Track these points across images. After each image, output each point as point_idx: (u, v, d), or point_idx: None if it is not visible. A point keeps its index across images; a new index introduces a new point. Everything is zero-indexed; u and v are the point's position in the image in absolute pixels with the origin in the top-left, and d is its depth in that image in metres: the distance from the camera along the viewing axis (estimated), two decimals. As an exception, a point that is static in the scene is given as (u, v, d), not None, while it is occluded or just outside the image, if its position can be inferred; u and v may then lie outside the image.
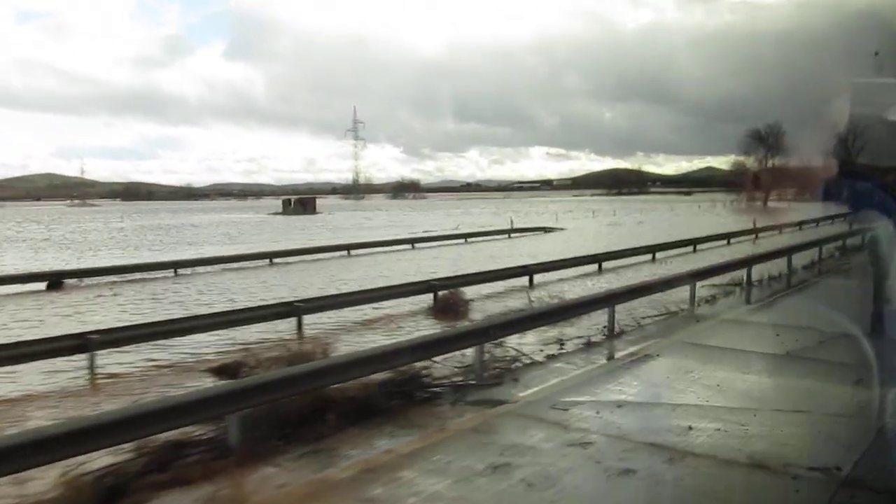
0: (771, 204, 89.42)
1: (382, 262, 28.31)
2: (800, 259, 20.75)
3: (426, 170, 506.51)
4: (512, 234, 42.33)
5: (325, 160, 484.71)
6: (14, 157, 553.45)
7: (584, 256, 23.98)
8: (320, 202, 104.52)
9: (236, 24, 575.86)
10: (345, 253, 31.94)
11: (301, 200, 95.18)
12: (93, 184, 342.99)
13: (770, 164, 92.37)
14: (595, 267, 23.58)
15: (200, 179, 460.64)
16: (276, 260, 28.45)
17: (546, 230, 46.30)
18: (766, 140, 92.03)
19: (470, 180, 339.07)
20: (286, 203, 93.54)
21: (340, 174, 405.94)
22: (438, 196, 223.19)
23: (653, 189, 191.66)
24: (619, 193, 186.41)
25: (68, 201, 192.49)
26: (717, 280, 17.28)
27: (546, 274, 21.09)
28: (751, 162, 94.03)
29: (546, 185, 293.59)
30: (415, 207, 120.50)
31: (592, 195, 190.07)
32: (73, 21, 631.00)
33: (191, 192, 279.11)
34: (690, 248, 29.93)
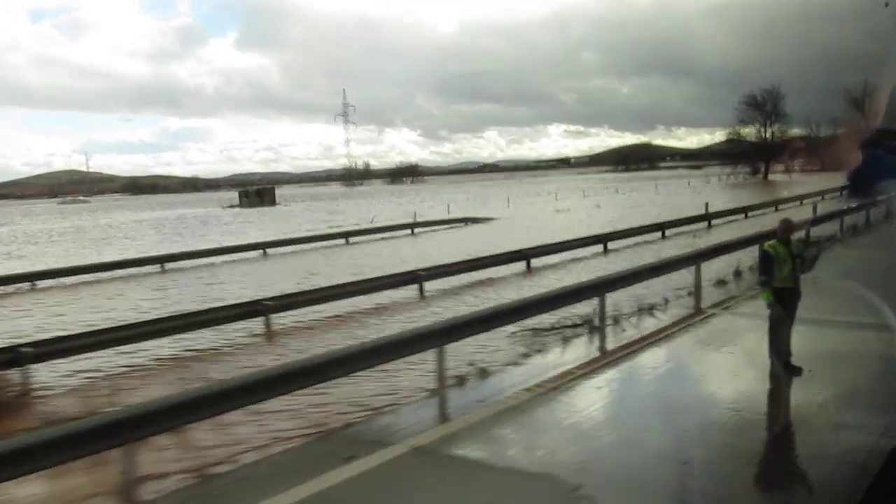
0: (774, 177, 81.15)
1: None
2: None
3: (444, 152, 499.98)
4: (416, 230, 35.02)
5: (343, 146, 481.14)
6: (38, 155, 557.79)
7: (398, 274, 16.87)
8: (315, 190, 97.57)
9: (247, 13, 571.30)
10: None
11: (259, 192, 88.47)
12: (111, 178, 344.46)
13: (769, 133, 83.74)
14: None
15: (220, 170, 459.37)
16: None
17: (471, 221, 38.96)
18: (763, 107, 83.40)
19: (489, 161, 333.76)
20: (243, 194, 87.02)
21: (359, 160, 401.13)
22: (449, 179, 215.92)
23: (664, 164, 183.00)
24: (627, 170, 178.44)
25: (59, 198, 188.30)
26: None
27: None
28: (749, 132, 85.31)
29: (563, 164, 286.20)
30: (402, 193, 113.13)
31: (599, 173, 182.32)
32: (85, 17, 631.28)
33: (197, 184, 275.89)
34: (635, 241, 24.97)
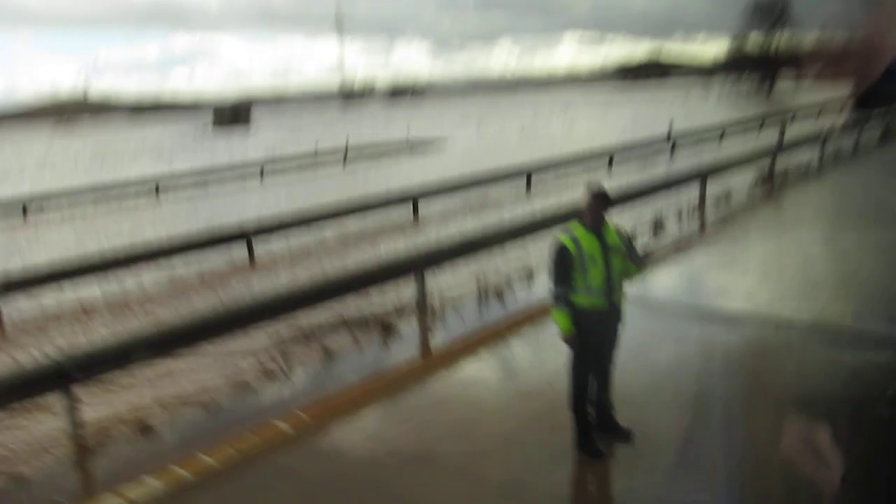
0: (782, 87, 75.33)
1: None
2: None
3: (456, 66, 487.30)
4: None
5: (355, 60, 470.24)
6: (44, 77, 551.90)
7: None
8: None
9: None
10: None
11: (234, 111, 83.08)
12: (116, 103, 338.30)
13: (777, 39, 77.13)
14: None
15: (229, 88, 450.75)
16: None
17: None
18: (771, 9, 76.57)
19: (500, 76, 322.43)
20: (217, 112, 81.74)
21: (360, 76, 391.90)
22: (451, 95, 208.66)
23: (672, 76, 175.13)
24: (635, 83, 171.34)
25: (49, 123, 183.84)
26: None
27: None
28: (754, 38, 78.67)
29: (575, 79, 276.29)
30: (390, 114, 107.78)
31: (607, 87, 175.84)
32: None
33: (201, 106, 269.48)
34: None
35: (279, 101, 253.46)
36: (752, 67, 76.59)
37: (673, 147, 24.39)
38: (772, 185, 16.10)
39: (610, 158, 22.28)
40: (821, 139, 19.71)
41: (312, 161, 30.09)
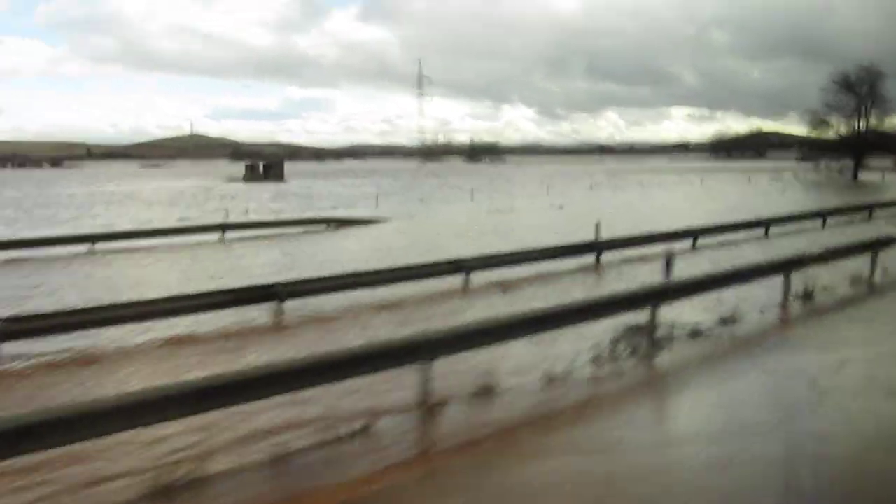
0: (868, 176, 65.44)
1: None
2: None
3: (561, 131, 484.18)
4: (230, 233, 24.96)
5: (459, 121, 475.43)
6: (172, 119, 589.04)
7: None
8: (391, 165, 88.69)
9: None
10: None
11: (266, 166, 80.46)
12: (234, 144, 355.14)
13: (861, 124, 67.31)
14: None
15: (340, 140, 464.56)
16: None
17: (337, 224, 28.56)
18: (857, 88, 66.87)
19: (607, 143, 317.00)
20: (249, 168, 79.37)
21: (475, 134, 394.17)
22: (545, 158, 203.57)
23: (771, 154, 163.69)
24: (730, 158, 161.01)
25: (142, 161, 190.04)
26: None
27: None
28: (835, 122, 68.98)
29: (681, 149, 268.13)
30: (458, 174, 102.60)
31: (709, 160, 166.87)
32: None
33: (302, 153, 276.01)
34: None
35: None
36: (835, 150, 66.98)
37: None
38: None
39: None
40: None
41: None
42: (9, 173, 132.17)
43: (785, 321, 12.64)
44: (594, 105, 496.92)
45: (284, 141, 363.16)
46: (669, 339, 10.86)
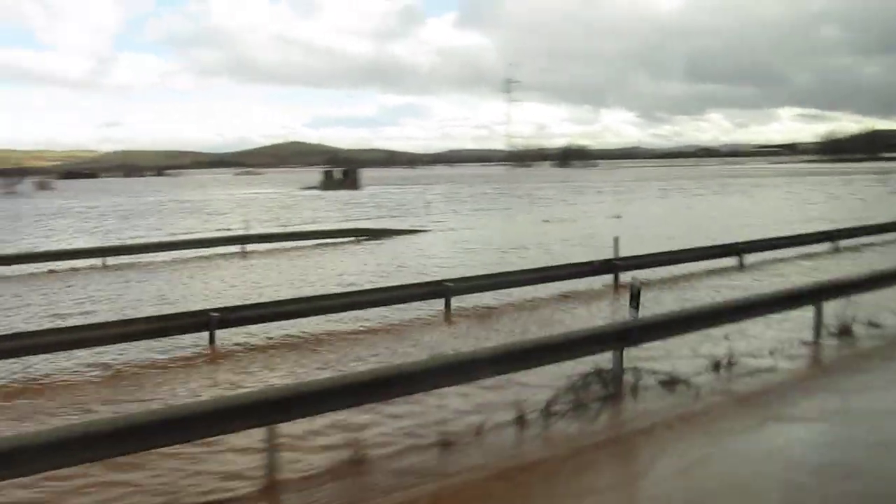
0: None
1: None
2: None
3: (662, 133, 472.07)
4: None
5: (557, 125, 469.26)
6: (272, 127, 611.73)
7: None
8: (480, 171, 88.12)
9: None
10: None
11: (345, 172, 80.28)
12: (333, 151, 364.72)
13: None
14: None
15: (436, 146, 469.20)
16: None
17: (367, 236, 27.05)
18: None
19: (711, 145, 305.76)
20: (326, 175, 79.36)
21: (572, 139, 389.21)
22: (645, 163, 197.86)
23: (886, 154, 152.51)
24: (840, 160, 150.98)
25: (235, 170, 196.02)
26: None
27: None
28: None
29: (788, 150, 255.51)
30: (545, 178, 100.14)
31: (805, 162, 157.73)
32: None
33: (400, 159, 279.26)
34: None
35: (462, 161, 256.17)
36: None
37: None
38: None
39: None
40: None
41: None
42: (114, 182, 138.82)
43: (812, 364, 10.20)
44: (696, 107, 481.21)
45: (381, 147, 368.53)
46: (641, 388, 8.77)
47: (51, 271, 20.36)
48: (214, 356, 10.83)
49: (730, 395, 8.82)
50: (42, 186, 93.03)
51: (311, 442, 7.30)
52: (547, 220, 32.84)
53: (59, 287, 17.78)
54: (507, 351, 8.54)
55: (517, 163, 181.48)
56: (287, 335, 11.77)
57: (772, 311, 11.01)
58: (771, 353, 10.20)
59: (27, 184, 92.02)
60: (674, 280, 16.40)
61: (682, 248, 18.57)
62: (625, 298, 14.94)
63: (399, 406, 7.93)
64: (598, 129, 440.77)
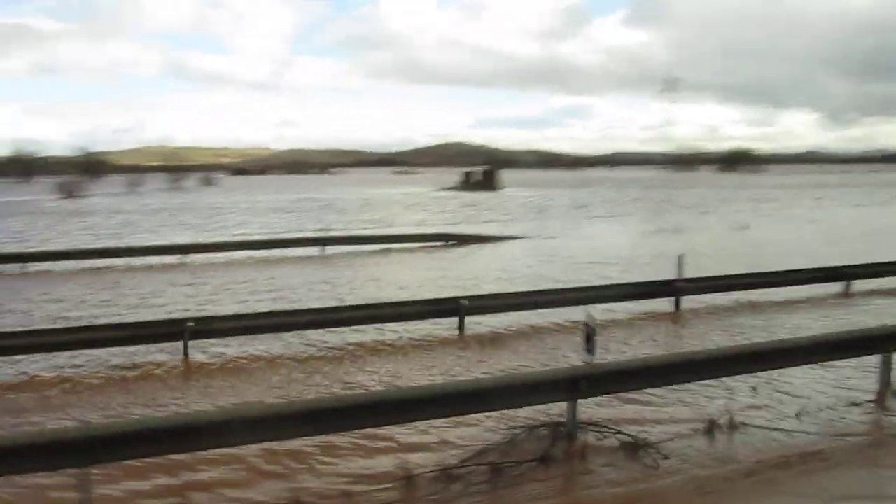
0: None
1: None
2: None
3: (852, 136, 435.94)
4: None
5: (729, 127, 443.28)
6: (436, 127, 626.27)
7: None
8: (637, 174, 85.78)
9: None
10: None
11: (485, 173, 79.07)
12: (493, 151, 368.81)
13: None
14: None
15: (600, 147, 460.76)
16: None
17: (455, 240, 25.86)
18: None
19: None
20: (466, 176, 78.60)
21: (744, 142, 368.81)
22: (825, 168, 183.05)
23: None
24: None
25: (392, 169, 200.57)
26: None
27: None
28: None
29: None
30: (694, 184, 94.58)
31: None
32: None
33: (563, 161, 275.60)
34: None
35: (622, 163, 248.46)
36: None
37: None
38: None
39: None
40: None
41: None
42: (277, 179, 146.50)
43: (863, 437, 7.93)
44: (893, 108, 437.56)
45: (543, 149, 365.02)
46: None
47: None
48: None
49: (704, 475, 6.82)
50: (206, 182, 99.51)
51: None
52: (660, 230, 30.14)
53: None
54: (416, 396, 7.08)
55: (679, 167, 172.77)
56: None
57: (811, 361, 8.75)
58: (798, 416, 8.00)
59: (192, 180, 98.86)
60: (736, 309, 13.98)
61: (772, 269, 15.90)
62: (685, 326, 13.12)
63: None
64: (775, 131, 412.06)
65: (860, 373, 9.24)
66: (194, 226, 35.60)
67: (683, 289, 14.19)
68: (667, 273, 14.55)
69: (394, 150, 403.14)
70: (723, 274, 15.04)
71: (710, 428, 7.63)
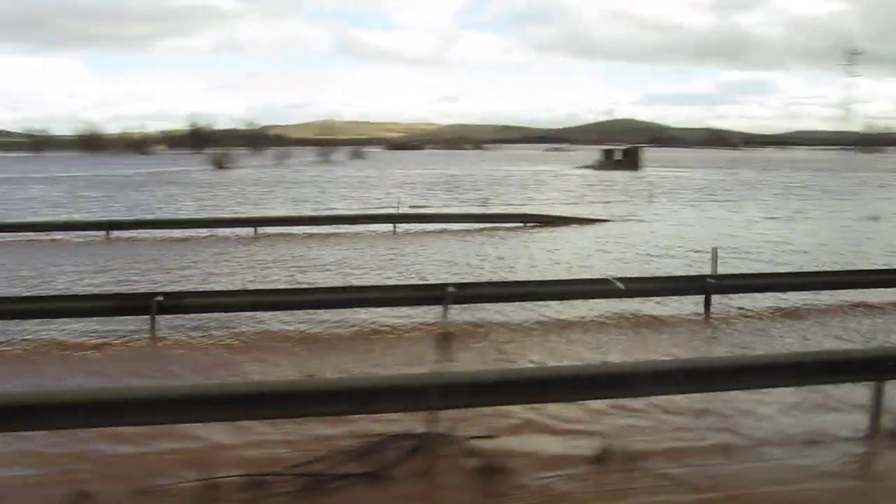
0: None
1: None
2: None
3: None
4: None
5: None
6: (601, 104, 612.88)
7: None
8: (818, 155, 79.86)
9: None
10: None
11: (626, 152, 75.42)
12: (659, 128, 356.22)
13: None
14: None
15: (779, 126, 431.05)
16: None
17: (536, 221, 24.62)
18: None
19: None
20: (606, 154, 75.39)
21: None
22: None
23: None
24: None
25: (545, 146, 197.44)
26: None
27: None
28: None
29: None
30: (867, 167, 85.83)
31: None
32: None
33: (732, 139, 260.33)
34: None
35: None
36: None
37: None
38: None
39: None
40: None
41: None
42: (431, 154, 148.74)
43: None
44: None
45: (714, 126, 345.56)
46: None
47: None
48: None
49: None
50: (356, 156, 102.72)
51: None
52: (771, 218, 27.24)
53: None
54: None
55: (863, 147, 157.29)
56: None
57: (777, 384, 7.26)
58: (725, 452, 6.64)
59: (342, 153, 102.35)
60: (769, 316, 12.00)
61: (840, 269, 13.68)
62: (717, 328, 11.47)
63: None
64: None
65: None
66: (299, 199, 36.59)
67: (715, 287, 12.48)
68: (733, 268, 12.80)
69: (555, 126, 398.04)
70: (767, 272, 13.11)
71: (601, 456, 6.45)
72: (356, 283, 14.11)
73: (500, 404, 6.92)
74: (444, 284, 11.82)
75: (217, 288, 13.33)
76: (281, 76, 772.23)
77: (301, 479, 6.08)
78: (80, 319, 10.84)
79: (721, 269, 12.68)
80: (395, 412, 6.74)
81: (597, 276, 13.50)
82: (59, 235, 22.14)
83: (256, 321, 11.15)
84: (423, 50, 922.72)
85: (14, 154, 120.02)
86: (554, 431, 7.09)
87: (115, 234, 22.15)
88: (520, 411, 7.22)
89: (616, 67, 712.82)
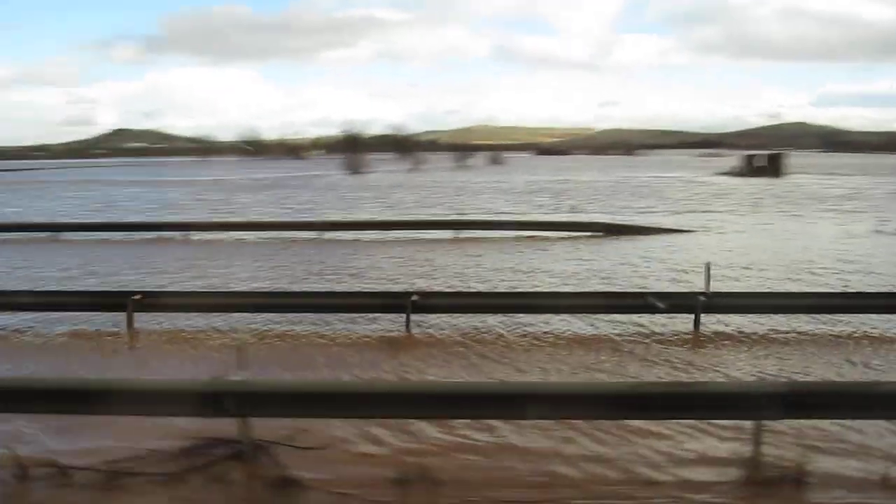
0: None
1: None
2: None
3: None
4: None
5: None
6: (770, 106, 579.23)
7: None
8: None
9: None
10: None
11: (770, 158, 70.35)
12: (837, 132, 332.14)
13: None
14: None
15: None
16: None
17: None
18: None
19: None
20: (747, 160, 70.73)
21: None
22: None
23: None
24: None
25: (700, 151, 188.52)
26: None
27: None
28: None
29: None
30: None
31: None
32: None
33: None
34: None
35: None
36: None
37: None
38: None
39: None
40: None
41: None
42: (577, 159, 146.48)
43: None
44: None
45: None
46: None
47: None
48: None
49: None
50: (494, 161, 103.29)
51: None
52: (878, 232, 24.86)
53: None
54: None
55: None
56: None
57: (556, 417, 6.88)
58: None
59: (480, 159, 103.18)
60: (758, 342, 11.03)
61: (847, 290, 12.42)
62: (704, 349, 10.74)
63: None
64: None
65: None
66: (394, 204, 37.59)
67: (705, 305, 11.73)
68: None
69: (719, 130, 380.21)
70: (763, 292, 12.16)
71: (403, 480, 6.38)
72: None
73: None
74: (410, 292, 11.91)
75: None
76: (439, 83, 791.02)
77: (101, 473, 6.45)
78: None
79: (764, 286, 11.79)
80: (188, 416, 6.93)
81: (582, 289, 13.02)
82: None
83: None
84: (582, 54, 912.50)
85: (180, 159, 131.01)
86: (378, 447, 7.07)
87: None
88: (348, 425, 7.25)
89: (785, 68, 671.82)
